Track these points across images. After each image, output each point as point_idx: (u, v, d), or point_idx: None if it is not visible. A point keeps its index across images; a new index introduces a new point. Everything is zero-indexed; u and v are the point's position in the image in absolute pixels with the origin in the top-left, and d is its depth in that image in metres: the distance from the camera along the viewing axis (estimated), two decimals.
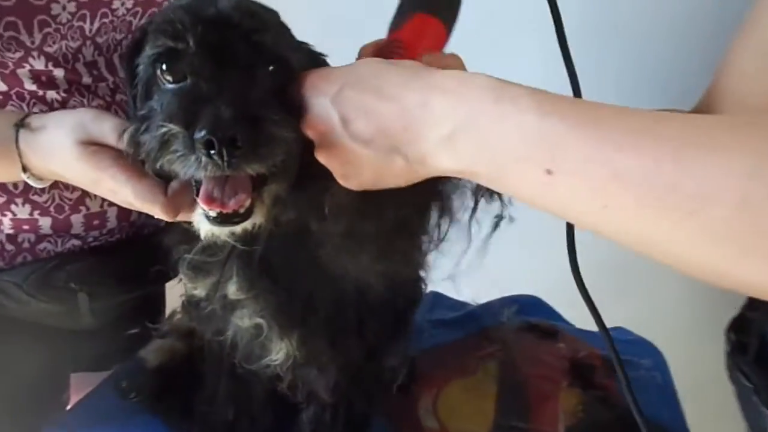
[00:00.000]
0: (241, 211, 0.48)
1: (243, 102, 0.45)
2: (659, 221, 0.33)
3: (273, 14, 0.53)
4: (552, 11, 0.51)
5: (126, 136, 0.50)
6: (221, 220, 0.47)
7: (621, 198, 0.34)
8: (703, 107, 0.70)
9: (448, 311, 1.08)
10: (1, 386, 0.73)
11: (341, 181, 0.48)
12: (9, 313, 0.68)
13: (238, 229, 0.49)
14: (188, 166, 0.45)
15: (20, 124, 0.54)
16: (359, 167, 0.46)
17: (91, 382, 0.85)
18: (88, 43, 0.66)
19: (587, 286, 0.58)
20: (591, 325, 1.08)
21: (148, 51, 0.50)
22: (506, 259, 1.33)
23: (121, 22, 0.68)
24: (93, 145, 0.52)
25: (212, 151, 0.42)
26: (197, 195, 0.48)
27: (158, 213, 0.51)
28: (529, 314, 1.08)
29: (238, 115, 0.43)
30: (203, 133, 0.42)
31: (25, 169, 0.55)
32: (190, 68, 0.48)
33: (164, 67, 0.49)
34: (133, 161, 0.50)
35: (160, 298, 0.93)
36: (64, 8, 0.62)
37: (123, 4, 0.67)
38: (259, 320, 0.60)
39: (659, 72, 1.14)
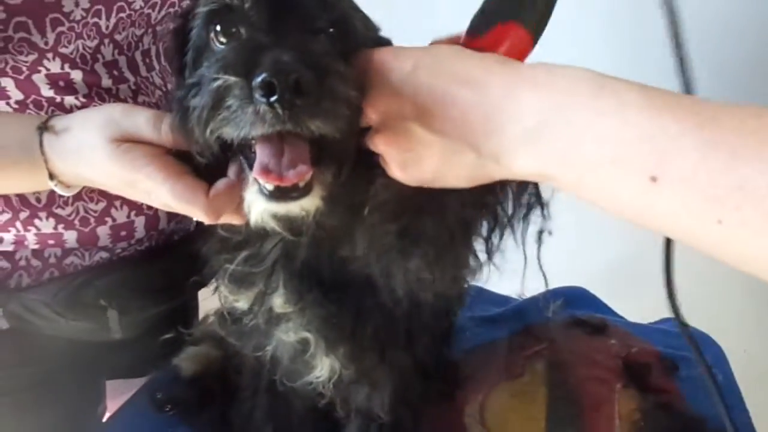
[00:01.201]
0: (301, 185, 0.42)
1: (305, 51, 0.40)
2: None
3: None
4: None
5: (174, 102, 0.46)
6: (279, 195, 0.42)
7: (742, 213, 0.29)
8: None
9: (490, 306, 1.03)
10: (38, 401, 0.71)
11: (396, 172, 0.43)
12: (39, 330, 0.66)
13: (296, 207, 0.43)
14: (243, 124, 0.39)
15: (43, 127, 0.50)
16: (422, 158, 0.41)
17: (126, 389, 0.82)
18: (106, 41, 0.61)
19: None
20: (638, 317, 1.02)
21: (201, 9, 0.46)
22: (548, 249, 1.27)
23: (140, 16, 0.63)
24: (126, 143, 0.47)
25: (273, 98, 0.37)
26: (251, 169, 0.43)
27: (198, 214, 0.46)
28: (575, 307, 1.02)
29: (301, 60, 0.38)
30: (263, 75, 0.37)
31: (51, 177, 0.51)
32: (246, 23, 0.44)
33: (218, 27, 0.45)
34: (177, 141, 0.45)
35: (193, 305, 0.90)
36: (77, 4, 0.57)
37: None
38: (306, 334, 0.56)
39: None
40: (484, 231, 0.51)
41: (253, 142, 0.42)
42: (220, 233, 0.54)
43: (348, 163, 0.46)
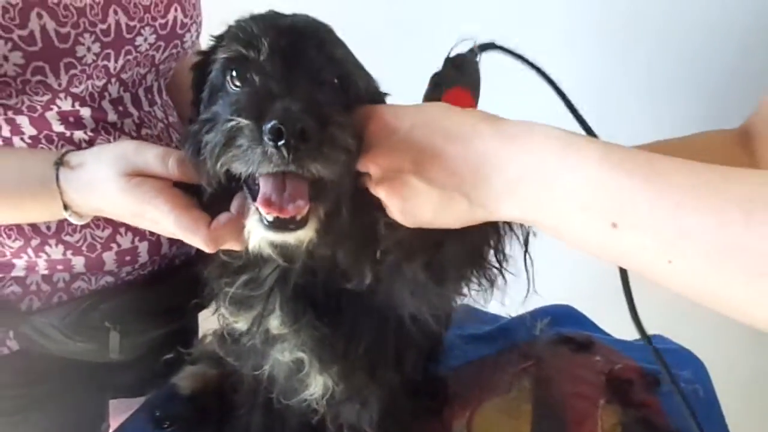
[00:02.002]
0: (298, 218, 0.46)
1: (311, 101, 0.45)
2: (728, 280, 0.33)
3: (338, 36, 0.53)
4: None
5: (187, 137, 0.50)
6: (277, 225, 0.46)
7: (687, 256, 0.34)
8: (756, 126, 0.67)
9: (479, 325, 1.07)
10: (43, 421, 0.74)
11: (398, 217, 0.48)
12: (46, 351, 0.69)
13: (291, 238, 0.47)
14: (252, 162, 0.44)
15: (60, 162, 0.54)
16: (421, 205, 0.46)
17: (128, 408, 0.85)
18: (113, 80, 0.66)
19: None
20: (625, 334, 1.05)
21: (221, 55, 0.51)
22: (539, 268, 1.30)
23: (144, 57, 0.68)
24: (136, 177, 0.51)
25: (280, 142, 0.42)
26: (254, 199, 0.47)
27: (199, 244, 0.50)
28: (562, 325, 1.06)
29: (307, 110, 0.43)
30: (273, 122, 0.42)
31: (66, 207, 0.55)
32: (260, 71, 0.48)
33: (234, 73, 0.50)
34: (182, 175, 0.50)
35: (193, 326, 0.93)
36: (89, 49, 0.62)
37: (146, 39, 0.67)
38: (300, 354, 0.60)
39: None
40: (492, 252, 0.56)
41: (258, 175, 0.47)
42: (222, 258, 0.58)
43: (344, 201, 0.50)
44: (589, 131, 0.53)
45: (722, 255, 0.32)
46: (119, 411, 0.88)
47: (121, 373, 0.82)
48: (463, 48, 0.58)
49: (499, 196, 0.42)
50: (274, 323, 0.58)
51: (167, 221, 0.50)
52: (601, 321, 1.10)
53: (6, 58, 0.56)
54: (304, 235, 0.48)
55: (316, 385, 0.63)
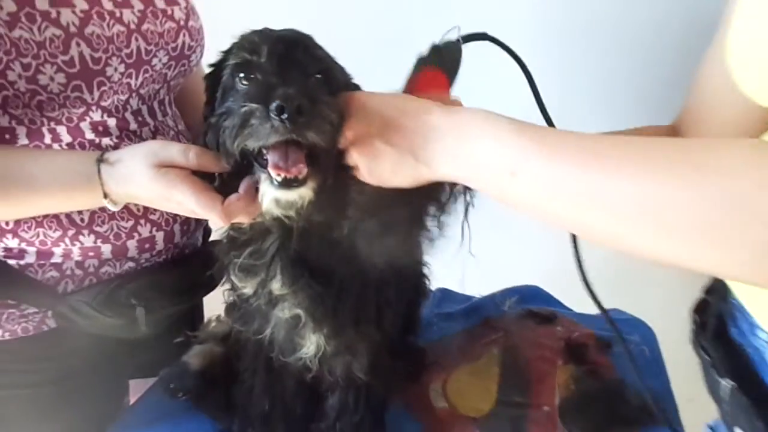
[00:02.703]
0: (300, 177, 0.60)
1: (303, 88, 0.58)
2: (591, 218, 0.46)
3: (317, 42, 0.68)
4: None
5: (207, 130, 0.65)
6: (284, 184, 0.59)
7: (562, 198, 0.47)
8: (681, 122, 0.80)
9: (454, 305, 1.19)
10: (72, 393, 0.86)
11: (365, 175, 0.61)
12: (78, 328, 0.81)
13: (295, 194, 0.61)
14: (262, 136, 0.57)
15: (101, 160, 0.68)
16: (382, 163, 0.59)
17: (145, 385, 0.97)
18: (134, 95, 0.79)
19: (586, 273, 0.70)
20: (587, 310, 1.17)
21: (231, 61, 0.65)
22: (508, 253, 1.44)
23: (159, 75, 0.81)
24: (163, 167, 0.64)
25: (283, 116, 0.55)
26: (264, 169, 0.61)
27: (216, 217, 0.63)
28: (529, 303, 1.18)
29: (301, 93, 0.56)
30: (277, 102, 0.55)
31: (105, 196, 0.68)
32: (261, 71, 0.62)
33: (242, 74, 0.63)
34: (200, 164, 0.64)
35: (200, 311, 1.05)
36: (115, 70, 0.75)
37: (160, 60, 0.80)
38: (298, 311, 0.73)
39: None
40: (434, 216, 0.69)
41: (265, 151, 0.60)
42: (230, 234, 0.71)
43: (331, 169, 0.63)
44: (549, 121, 0.67)
45: (587, 198, 0.45)
46: (138, 389, 0.99)
47: (141, 351, 0.93)
48: (450, 36, 0.70)
49: (438, 157, 0.55)
50: (276, 285, 0.70)
51: (190, 201, 0.63)
52: (569, 301, 1.23)
53: (52, 79, 0.69)
54: (305, 192, 0.61)
55: (310, 344, 0.75)
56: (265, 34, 0.64)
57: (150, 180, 0.64)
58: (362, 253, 0.65)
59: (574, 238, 0.71)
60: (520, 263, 1.43)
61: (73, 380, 0.85)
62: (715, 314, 0.60)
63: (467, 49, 0.72)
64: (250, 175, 0.64)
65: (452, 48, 0.71)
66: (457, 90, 0.72)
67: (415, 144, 0.56)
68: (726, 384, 0.54)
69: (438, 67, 0.70)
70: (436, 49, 0.71)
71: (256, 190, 0.63)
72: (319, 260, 0.70)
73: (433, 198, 0.66)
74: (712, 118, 0.67)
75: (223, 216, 0.62)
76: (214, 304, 1.02)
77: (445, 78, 0.70)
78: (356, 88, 0.71)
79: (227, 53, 0.67)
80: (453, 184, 0.68)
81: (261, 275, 0.70)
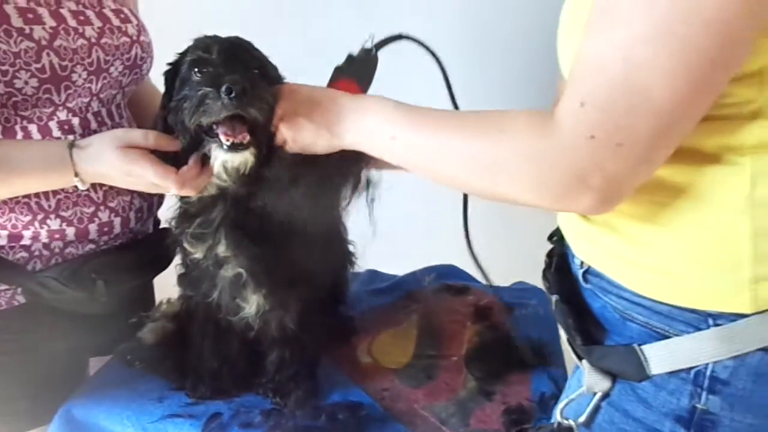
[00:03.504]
0: (244, 142, 0.77)
1: (246, 76, 0.76)
2: (438, 167, 0.65)
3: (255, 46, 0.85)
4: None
5: (170, 110, 0.81)
6: (232, 147, 0.77)
7: (420, 152, 0.66)
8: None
9: (381, 283, 1.35)
10: (37, 364, 0.97)
11: (291, 143, 0.78)
12: (44, 302, 0.92)
13: (241, 157, 0.78)
14: (214, 112, 0.74)
15: (72, 145, 0.83)
16: (305, 133, 0.76)
17: (104, 362, 1.08)
18: (94, 98, 0.92)
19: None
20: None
21: (188, 58, 0.81)
22: (432, 236, 1.61)
23: (115, 81, 0.95)
24: (126, 148, 0.80)
25: (232, 95, 0.72)
26: (215, 138, 0.78)
27: (171, 184, 0.79)
28: (446, 279, 1.35)
29: (244, 80, 0.74)
30: (226, 85, 0.72)
31: (76, 175, 0.82)
32: (212, 65, 0.78)
33: (196, 68, 0.79)
34: (157, 143, 0.81)
35: (151, 294, 1.18)
36: (79, 76, 0.89)
37: (116, 68, 0.94)
38: (239, 269, 0.88)
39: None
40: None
41: (215, 127, 0.77)
42: (183, 207, 0.87)
43: (266, 140, 0.80)
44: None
45: (435, 153, 0.64)
46: (97, 366, 1.10)
47: (101, 328, 1.04)
48: (366, 45, 0.86)
49: (346, 129, 0.73)
50: (221, 249, 0.86)
51: (149, 173, 0.79)
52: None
53: (27, 83, 0.83)
54: (248, 156, 0.79)
55: (251, 304, 0.90)
56: (215, 38, 0.82)
57: (115, 158, 0.80)
58: (287, 216, 0.81)
59: (465, 221, 0.91)
60: (443, 245, 1.61)
61: (38, 352, 0.96)
62: (558, 254, 0.78)
63: (389, 49, 0.88)
64: (197, 151, 0.81)
65: (366, 57, 0.87)
66: (379, 88, 0.88)
67: (330, 120, 0.74)
68: (554, 297, 0.72)
69: (352, 77, 0.87)
70: (350, 59, 0.87)
71: (203, 163, 0.80)
72: (256, 226, 0.85)
73: (343, 170, 0.83)
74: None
75: (178, 183, 0.79)
76: (164, 288, 1.15)
77: (357, 86, 0.87)
78: (284, 81, 0.88)
79: (184, 53, 0.84)
80: (360, 172, 0.85)
81: (209, 241, 0.86)
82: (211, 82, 0.75)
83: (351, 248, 1.11)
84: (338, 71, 0.87)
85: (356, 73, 0.86)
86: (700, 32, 0.49)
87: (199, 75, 0.79)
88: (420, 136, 0.66)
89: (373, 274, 1.40)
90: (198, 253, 0.87)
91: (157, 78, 1.03)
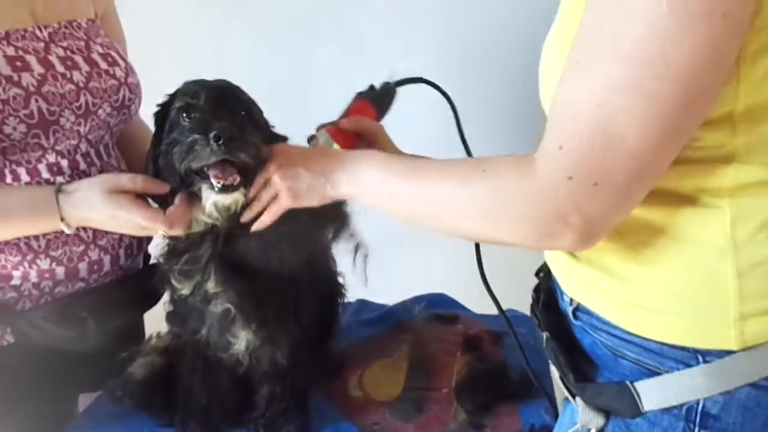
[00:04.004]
0: (234, 184, 0.79)
1: (233, 122, 0.79)
2: (424, 212, 0.67)
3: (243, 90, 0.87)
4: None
5: (160, 153, 0.83)
6: (222, 189, 0.78)
7: (407, 199, 0.68)
8: None
9: (371, 313, 1.36)
10: (24, 401, 0.96)
11: (284, 193, 0.79)
12: (33, 341, 0.92)
13: (231, 198, 0.80)
14: (204, 157, 0.76)
15: (59, 190, 0.83)
16: (301, 183, 0.77)
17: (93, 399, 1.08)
18: (83, 140, 0.93)
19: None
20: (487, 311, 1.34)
21: (176, 104, 0.83)
22: (422, 262, 1.62)
23: (103, 122, 0.96)
24: (114, 193, 0.81)
25: (220, 142, 0.74)
26: (206, 180, 0.79)
27: (160, 225, 0.80)
28: (435, 307, 1.36)
29: (232, 126, 0.77)
30: (215, 132, 0.75)
31: (62, 219, 0.83)
32: (200, 110, 0.80)
33: (184, 114, 0.81)
34: (144, 187, 0.83)
35: (141, 329, 1.18)
36: (68, 119, 0.90)
37: (104, 110, 0.95)
38: (228, 305, 0.88)
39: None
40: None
41: (206, 169, 0.78)
42: (170, 244, 0.88)
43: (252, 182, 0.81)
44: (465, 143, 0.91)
45: (421, 200, 0.66)
46: (87, 402, 1.10)
47: (85, 369, 1.04)
48: (387, 79, 0.93)
49: (340, 180, 0.75)
50: (211, 285, 0.86)
51: (137, 217, 0.80)
52: (471, 304, 1.41)
53: (15, 129, 0.84)
54: (238, 196, 0.81)
55: (241, 341, 0.90)
56: (202, 83, 0.84)
57: (102, 203, 0.81)
58: (275, 257, 0.81)
59: (478, 253, 0.93)
60: (430, 274, 1.62)
61: (28, 389, 0.96)
62: (545, 290, 0.79)
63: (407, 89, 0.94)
64: (181, 192, 0.82)
65: (386, 88, 0.94)
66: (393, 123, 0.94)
67: (327, 168, 0.76)
68: (544, 335, 0.73)
69: (369, 101, 0.92)
70: (371, 88, 0.94)
71: (188, 201, 0.82)
72: (244, 263, 0.86)
73: (327, 218, 0.86)
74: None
75: (166, 224, 0.80)
76: (154, 323, 1.15)
77: (373, 110, 0.92)
78: (269, 125, 0.90)
79: (173, 97, 0.85)
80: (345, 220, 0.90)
81: (197, 277, 0.86)
82: (199, 128, 0.77)
83: (340, 280, 1.12)
84: (359, 95, 0.93)
85: (375, 100, 0.92)
86: (669, 86, 0.51)
87: (187, 120, 0.81)
88: (408, 184, 0.68)
89: (363, 304, 1.40)
90: (185, 290, 0.88)
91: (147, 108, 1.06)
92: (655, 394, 0.62)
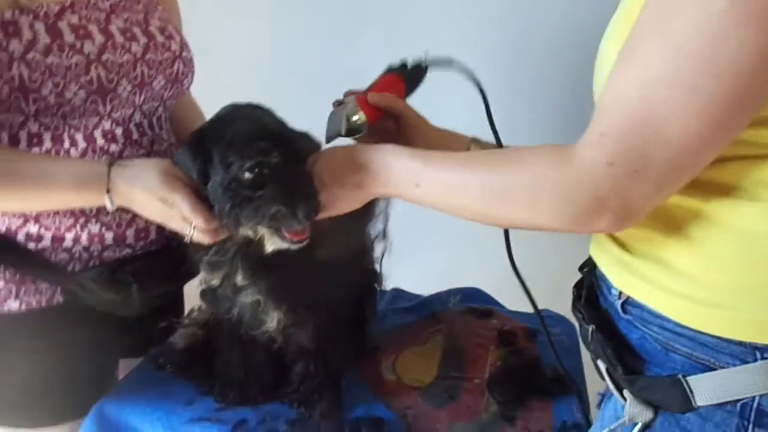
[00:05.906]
0: (305, 240, 0.78)
1: (312, 193, 0.77)
2: (462, 202, 0.68)
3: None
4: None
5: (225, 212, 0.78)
6: (293, 243, 0.78)
7: (443, 191, 0.69)
8: None
9: (406, 302, 1.36)
10: (71, 360, 1.00)
11: (327, 213, 0.79)
12: (81, 303, 0.96)
13: (296, 246, 0.79)
14: (288, 225, 0.76)
15: (112, 163, 0.83)
16: (339, 203, 0.79)
17: (134, 365, 1.11)
18: (137, 110, 0.96)
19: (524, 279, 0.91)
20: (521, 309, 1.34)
21: (247, 163, 0.76)
22: (456, 258, 1.62)
23: (157, 94, 0.99)
24: (171, 176, 0.80)
25: (306, 219, 0.75)
26: (281, 231, 0.78)
27: (201, 222, 0.78)
28: (470, 301, 1.36)
29: (314, 199, 0.76)
30: (303, 211, 0.74)
31: (108, 191, 0.82)
32: (271, 169, 0.77)
33: (252, 171, 0.76)
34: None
35: (181, 300, 1.21)
36: (124, 88, 0.93)
37: (159, 83, 0.98)
38: (258, 297, 0.89)
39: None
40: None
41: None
42: None
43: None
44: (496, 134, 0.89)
45: (458, 189, 0.68)
46: (127, 367, 1.13)
47: (127, 336, 1.07)
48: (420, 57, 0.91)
49: (373, 182, 0.75)
50: (239, 278, 0.87)
51: (184, 204, 0.78)
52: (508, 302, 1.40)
53: (76, 94, 0.87)
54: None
55: (272, 320, 0.92)
56: (265, 140, 0.78)
57: (156, 181, 0.79)
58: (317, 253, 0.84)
59: (509, 251, 0.92)
60: (467, 268, 1.61)
61: (71, 350, 1.00)
62: (587, 286, 0.78)
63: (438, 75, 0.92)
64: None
65: (417, 65, 0.93)
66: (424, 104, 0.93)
67: (357, 179, 0.76)
68: (590, 328, 0.72)
69: (400, 76, 0.92)
70: (403, 64, 0.93)
71: None
72: (274, 257, 0.84)
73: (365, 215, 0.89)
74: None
75: (207, 222, 0.79)
76: (193, 297, 1.18)
77: (403, 85, 0.92)
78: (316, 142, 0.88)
79: (217, 125, 0.83)
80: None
81: (225, 269, 0.88)
82: (280, 197, 0.75)
83: (377, 267, 1.12)
84: (389, 69, 0.92)
85: (405, 75, 0.91)
86: (712, 81, 0.52)
87: (249, 174, 0.77)
88: (439, 176, 0.69)
89: (398, 293, 1.41)
90: (215, 280, 0.89)
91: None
92: (708, 389, 0.61)
